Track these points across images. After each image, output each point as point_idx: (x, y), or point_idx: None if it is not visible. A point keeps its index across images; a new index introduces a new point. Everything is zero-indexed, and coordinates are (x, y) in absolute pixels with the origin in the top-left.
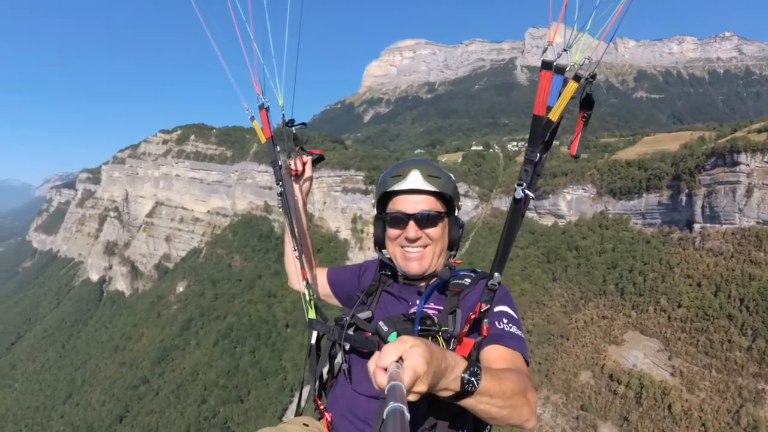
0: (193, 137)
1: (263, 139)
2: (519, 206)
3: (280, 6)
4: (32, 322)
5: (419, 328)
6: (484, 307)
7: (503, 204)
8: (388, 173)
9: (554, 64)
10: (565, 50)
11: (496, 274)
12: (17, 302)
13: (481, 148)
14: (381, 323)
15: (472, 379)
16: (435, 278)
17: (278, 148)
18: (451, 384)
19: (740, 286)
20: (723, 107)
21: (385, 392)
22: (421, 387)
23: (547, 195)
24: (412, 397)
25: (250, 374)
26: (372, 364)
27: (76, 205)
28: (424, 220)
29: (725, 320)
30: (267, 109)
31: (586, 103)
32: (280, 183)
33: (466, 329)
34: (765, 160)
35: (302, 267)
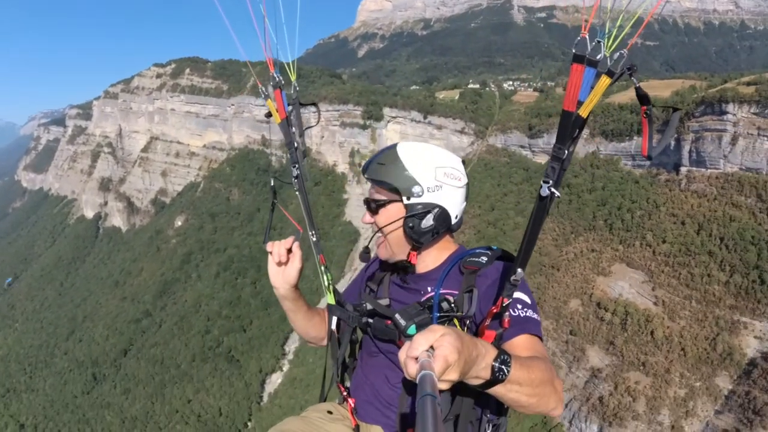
0: (188, 71)
1: (278, 120)
2: (544, 203)
3: None
4: (28, 261)
5: (437, 314)
6: (506, 302)
7: (498, 141)
8: None
9: (586, 57)
10: (598, 41)
11: (519, 269)
12: (11, 243)
13: (477, 86)
14: (397, 316)
15: (503, 367)
16: (443, 263)
17: (293, 128)
18: (481, 372)
19: (721, 226)
20: (716, 58)
21: (417, 381)
22: (453, 375)
23: (541, 134)
24: (444, 386)
25: (252, 305)
26: (403, 353)
27: (66, 142)
28: (369, 207)
29: (706, 256)
30: (281, 88)
31: (642, 98)
32: (296, 165)
33: (487, 323)
34: (752, 111)
35: (319, 252)
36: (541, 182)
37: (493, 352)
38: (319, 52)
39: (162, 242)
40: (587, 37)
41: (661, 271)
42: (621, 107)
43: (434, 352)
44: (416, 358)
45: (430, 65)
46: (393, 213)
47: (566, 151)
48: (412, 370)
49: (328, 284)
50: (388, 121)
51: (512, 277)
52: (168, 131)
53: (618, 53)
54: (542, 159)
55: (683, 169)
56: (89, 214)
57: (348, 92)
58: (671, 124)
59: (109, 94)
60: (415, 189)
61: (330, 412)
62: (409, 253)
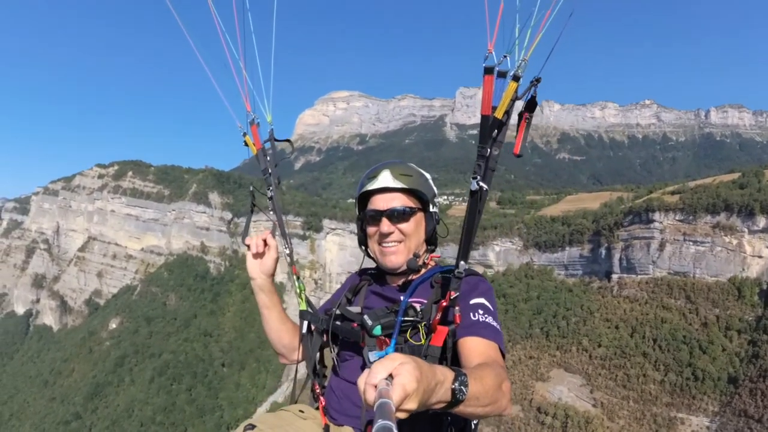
0: (130, 173)
1: (254, 151)
2: (475, 198)
3: (261, 21)
4: None
5: (402, 318)
6: (454, 295)
7: (435, 253)
8: (365, 175)
9: (495, 68)
10: (505, 56)
11: (462, 263)
12: None
13: None
14: (365, 316)
15: (462, 387)
16: (419, 273)
17: (268, 158)
18: (442, 396)
19: (653, 327)
20: (640, 170)
21: (374, 409)
22: (411, 405)
23: (477, 246)
24: (402, 415)
25: (187, 411)
26: (362, 381)
27: (0, 235)
28: (395, 216)
29: (641, 357)
30: (257, 125)
31: (529, 105)
32: (271, 188)
33: (438, 317)
34: (677, 218)
35: (291, 263)
36: (471, 178)
37: (451, 375)
38: (256, 163)
39: (95, 344)
40: (493, 53)
41: (598, 373)
42: (553, 219)
43: (393, 381)
44: (376, 386)
45: None
46: (420, 219)
47: (488, 150)
48: (370, 397)
49: (300, 291)
50: (327, 233)
51: (456, 271)
52: (106, 232)
53: (521, 61)
54: (478, 271)
55: (614, 276)
56: (20, 310)
57: (288, 203)
58: (528, 123)
59: (48, 191)
60: (436, 199)
61: (302, 411)
62: (427, 258)
